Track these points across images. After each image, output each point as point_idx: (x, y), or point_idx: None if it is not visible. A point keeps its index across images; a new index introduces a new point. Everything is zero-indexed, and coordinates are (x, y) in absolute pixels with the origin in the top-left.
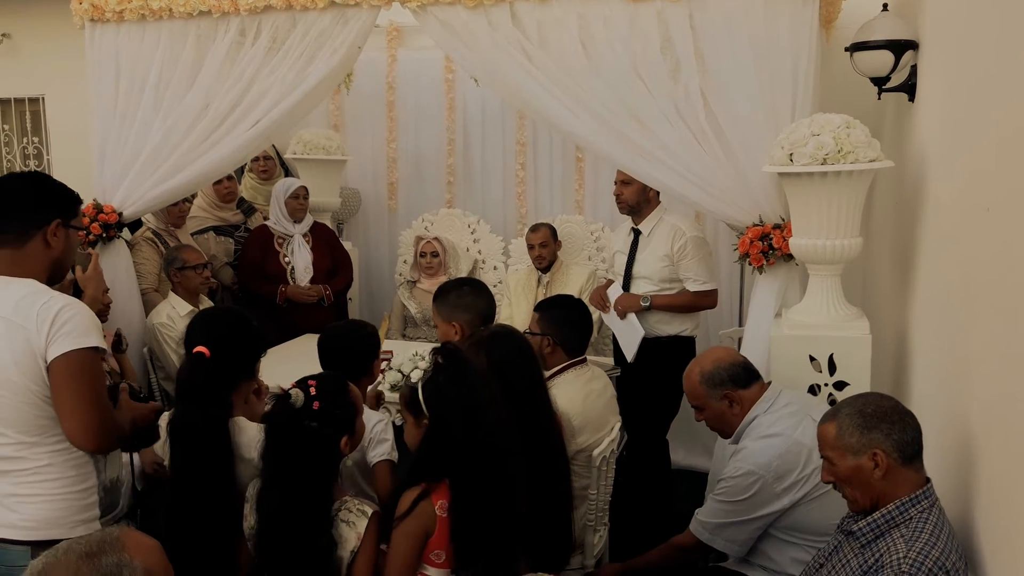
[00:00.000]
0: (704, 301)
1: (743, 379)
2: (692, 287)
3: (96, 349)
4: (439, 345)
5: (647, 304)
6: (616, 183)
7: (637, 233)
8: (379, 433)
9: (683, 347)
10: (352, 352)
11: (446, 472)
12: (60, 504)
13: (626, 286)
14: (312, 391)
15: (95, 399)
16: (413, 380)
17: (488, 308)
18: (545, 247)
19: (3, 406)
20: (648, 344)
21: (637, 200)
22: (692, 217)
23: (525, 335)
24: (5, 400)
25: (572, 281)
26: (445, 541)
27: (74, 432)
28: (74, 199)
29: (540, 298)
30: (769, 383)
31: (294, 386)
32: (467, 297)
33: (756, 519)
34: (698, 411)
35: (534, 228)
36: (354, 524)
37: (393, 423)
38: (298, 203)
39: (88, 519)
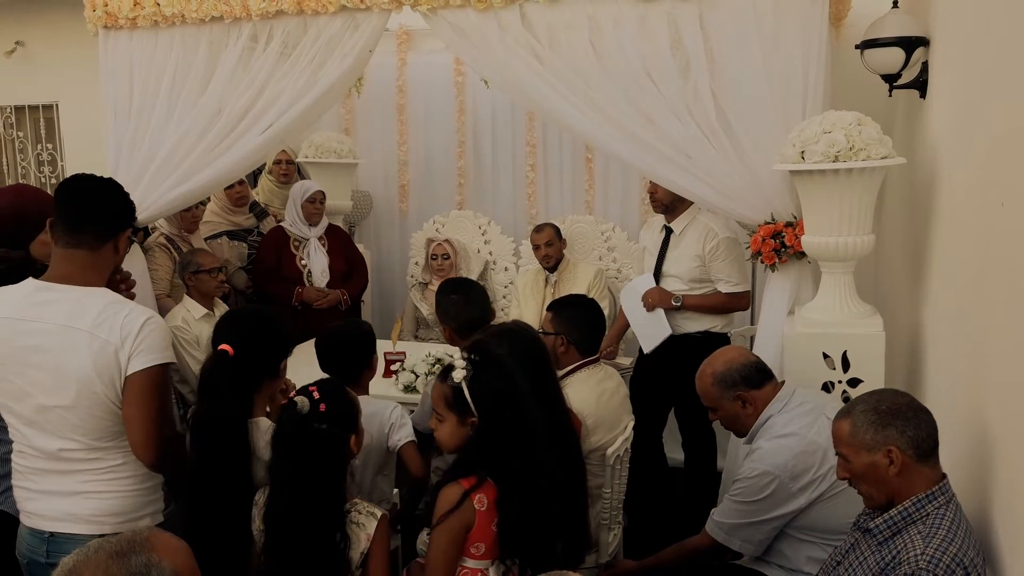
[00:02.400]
0: (736, 303)
1: (756, 379)
2: (724, 288)
3: (170, 365)
4: (472, 344)
5: (679, 304)
6: (650, 181)
7: (669, 231)
8: (398, 419)
9: (718, 344)
10: (350, 349)
11: (488, 466)
12: (130, 500)
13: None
14: (316, 395)
15: (163, 414)
16: (456, 380)
17: (475, 318)
18: (550, 246)
19: (82, 416)
20: (681, 341)
21: (671, 199)
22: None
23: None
24: (85, 410)
25: (580, 279)
26: (484, 534)
27: (137, 444)
28: (135, 208)
29: (549, 298)
30: (783, 382)
31: (296, 394)
32: (453, 307)
33: (772, 519)
34: (712, 412)
35: (538, 228)
36: (364, 525)
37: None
38: (315, 207)
39: (153, 511)
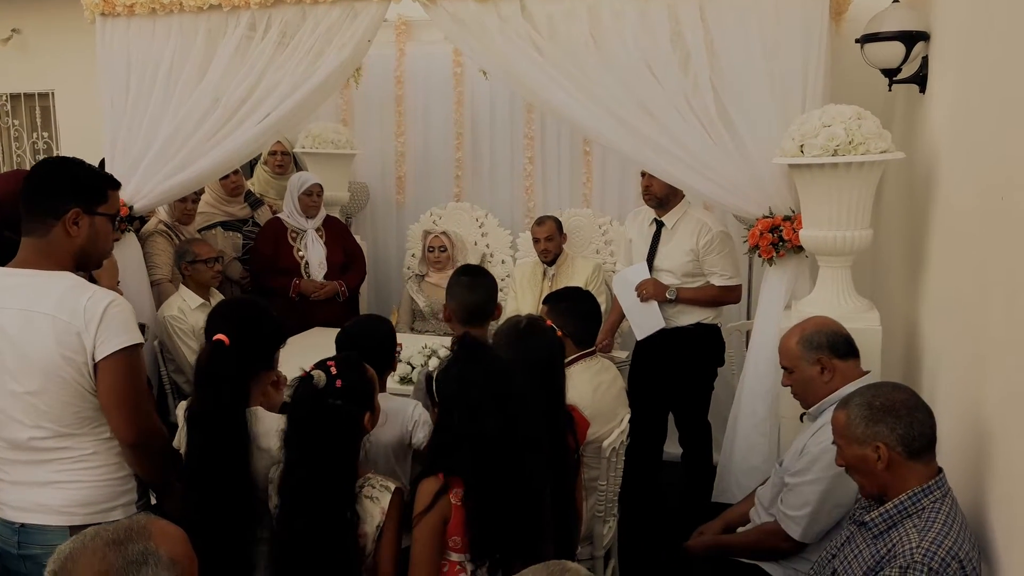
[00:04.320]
0: (728, 296)
1: (841, 350)
2: (717, 281)
3: (139, 345)
4: (461, 335)
5: (673, 297)
6: (644, 175)
7: (660, 225)
8: (420, 416)
9: (711, 334)
10: (372, 346)
11: (460, 464)
12: (101, 490)
13: None
14: (333, 370)
15: (139, 394)
16: (430, 367)
17: (475, 305)
18: (550, 240)
19: (50, 402)
20: (673, 334)
21: (666, 192)
22: (717, 211)
23: None
24: (53, 396)
25: (578, 274)
26: (459, 529)
27: (119, 426)
28: (98, 186)
29: (546, 291)
30: (868, 372)
31: (313, 368)
32: (458, 287)
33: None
34: (787, 373)
35: (539, 221)
36: (378, 500)
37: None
38: (311, 200)
39: (126, 503)
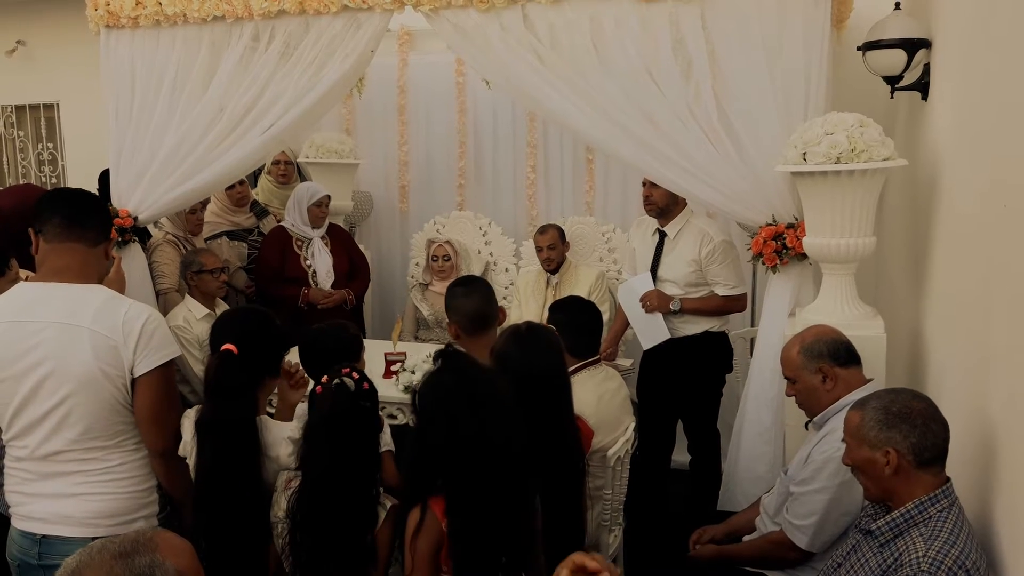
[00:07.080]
0: (734, 305)
1: (843, 357)
2: (721, 291)
3: (176, 357)
4: (444, 347)
5: (677, 308)
6: (645, 184)
7: (663, 235)
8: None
9: (719, 341)
10: (338, 354)
11: (441, 483)
12: (125, 501)
13: None
14: (355, 375)
15: (173, 405)
16: (413, 383)
17: (476, 310)
18: (553, 249)
19: (80, 414)
20: (680, 343)
21: (667, 202)
22: (720, 219)
23: None
24: (84, 408)
25: (581, 282)
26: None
27: (153, 437)
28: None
29: (549, 299)
30: (871, 380)
31: (329, 379)
32: (456, 299)
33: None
34: (790, 384)
35: (542, 230)
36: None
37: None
38: (321, 211)
39: (148, 514)
